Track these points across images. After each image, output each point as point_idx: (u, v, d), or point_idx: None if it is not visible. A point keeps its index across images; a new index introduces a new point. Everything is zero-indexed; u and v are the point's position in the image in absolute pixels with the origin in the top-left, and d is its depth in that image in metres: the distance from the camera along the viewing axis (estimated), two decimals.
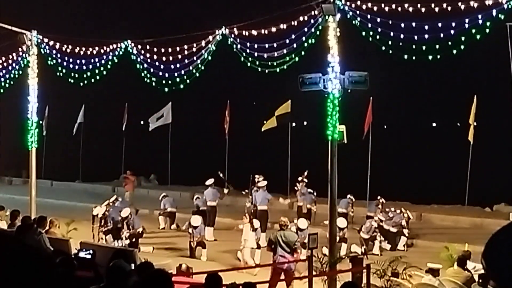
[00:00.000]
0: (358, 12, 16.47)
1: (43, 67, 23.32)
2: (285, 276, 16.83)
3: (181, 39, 20.51)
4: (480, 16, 15.44)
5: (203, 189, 27.88)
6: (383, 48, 16.67)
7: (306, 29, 17.11)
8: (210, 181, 26.64)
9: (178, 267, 16.75)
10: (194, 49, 20.06)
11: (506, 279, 2.96)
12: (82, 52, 22.41)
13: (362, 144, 30.43)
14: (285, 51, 17.88)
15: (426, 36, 16.12)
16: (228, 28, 19.32)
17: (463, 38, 15.77)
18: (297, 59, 17.73)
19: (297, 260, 17.07)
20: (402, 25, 16.16)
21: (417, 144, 61.48)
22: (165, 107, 36.27)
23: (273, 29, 18.10)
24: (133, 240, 22.09)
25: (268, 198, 25.37)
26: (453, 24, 15.70)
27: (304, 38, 17.23)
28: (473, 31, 15.55)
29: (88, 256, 10.33)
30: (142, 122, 39.91)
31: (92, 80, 22.98)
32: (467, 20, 15.56)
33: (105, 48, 22.18)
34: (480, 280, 14.30)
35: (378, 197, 25.82)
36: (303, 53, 17.52)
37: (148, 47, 21.42)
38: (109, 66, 22.31)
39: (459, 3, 15.48)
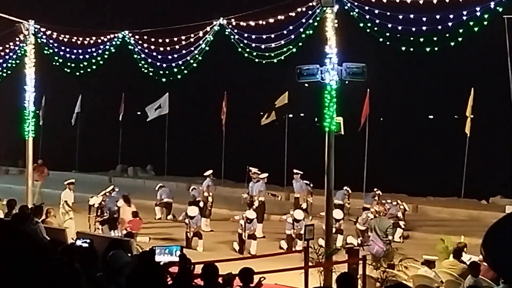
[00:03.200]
0: (356, 3, 16.47)
1: (40, 56, 23.28)
2: (373, 261, 16.97)
3: (179, 29, 20.50)
4: (478, 9, 15.44)
5: (200, 179, 27.92)
6: (381, 39, 16.66)
7: (304, 20, 17.09)
8: (208, 172, 26.66)
9: None
10: (192, 40, 20.04)
11: (506, 267, 3.00)
12: (79, 42, 22.37)
13: (359, 136, 30.44)
14: (282, 42, 17.87)
15: (424, 28, 16.11)
16: (225, 18, 19.29)
17: (461, 31, 15.78)
18: (294, 50, 17.73)
19: (297, 251, 17.14)
20: (400, 16, 16.14)
21: (414, 136, 61.50)
22: (162, 97, 36.25)
23: (271, 20, 18.08)
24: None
25: (261, 190, 25.36)
26: (451, 16, 15.70)
27: (302, 29, 17.22)
28: (471, 23, 15.56)
29: (85, 245, 10.34)
30: (139, 113, 39.90)
31: (89, 70, 22.95)
32: (465, 13, 15.56)
33: (102, 38, 22.14)
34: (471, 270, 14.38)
35: (375, 189, 25.85)
36: (300, 44, 17.52)
37: (145, 37, 21.40)
38: (106, 56, 22.28)
39: None
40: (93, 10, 58.96)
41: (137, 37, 21.63)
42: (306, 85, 17.25)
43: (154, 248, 9.25)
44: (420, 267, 15.98)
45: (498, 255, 3.22)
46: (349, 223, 23.46)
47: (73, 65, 23.05)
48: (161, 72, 21.36)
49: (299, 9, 17.15)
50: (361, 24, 16.56)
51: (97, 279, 7.96)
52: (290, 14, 17.45)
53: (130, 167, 42.96)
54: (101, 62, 22.49)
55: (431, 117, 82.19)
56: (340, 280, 8.64)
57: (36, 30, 22.92)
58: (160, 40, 20.84)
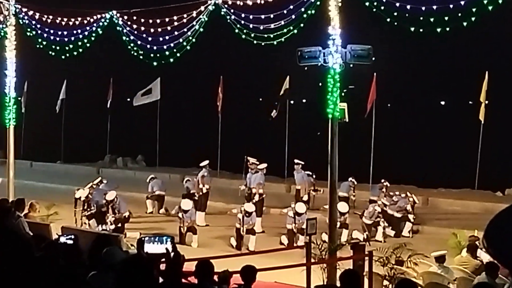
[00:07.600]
0: None
1: (21, 39, 23.24)
2: None
3: (171, 9, 20.44)
4: None
5: (194, 170, 27.90)
6: (388, 19, 16.61)
7: None
8: (204, 163, 26.67)
9: None
10: (185, 20, 20.00)
11: (506, 257, 3.01)
12: (63, 23, 22.33)
13: (365, 123, 30.45)
14: (282, 22, 17.83)
15: (435, 7, 16.06)
16: None
17: (474, 10, 15.73)
18: (295, 31, 17.70)
19: (298, 246, 17.14)
20: None
21: (424, 123, 61.56)
22: (153, 82, 36.19)
23: None
24: (119, 225, 22.17)
25: (261, 182, 25.36)
26: None
27: (303, 9, 17.18)
28: (485, 1, 15.52)
29: (70, 242, 10.32)
30: (128, 99, 39.82)
31: (75, 53, 22.93)
32: None
33: (88, 18, 22.10)
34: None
35: (382, 180, 25.90)
36: (302, 24, 17.48)
37: (135, 17, 21.35)
38: (93, 38, 22.26)
39: None
40: None
41: (126, 17, 21.59)
42: (305, 68, 17.17)
43: (143, 238, 9.10)
44: (432, 264, 16.01)
45: (500, 244, 3.25)
46: (355, 217, 23.49)
47: (57, 47, 23.02)
48: (152, 55, 21.34)
49: None
50: (367, 3, 16.51)
51: (88, 278, 8.01)
52: None
53: (119, 157, 42.98)
54: (87, 44, 22.47)
55: (442, 103, 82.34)
56: (344, 277, 8.64)
57: (17, 10, 22.87)
58: (151, 21, 20.80)
